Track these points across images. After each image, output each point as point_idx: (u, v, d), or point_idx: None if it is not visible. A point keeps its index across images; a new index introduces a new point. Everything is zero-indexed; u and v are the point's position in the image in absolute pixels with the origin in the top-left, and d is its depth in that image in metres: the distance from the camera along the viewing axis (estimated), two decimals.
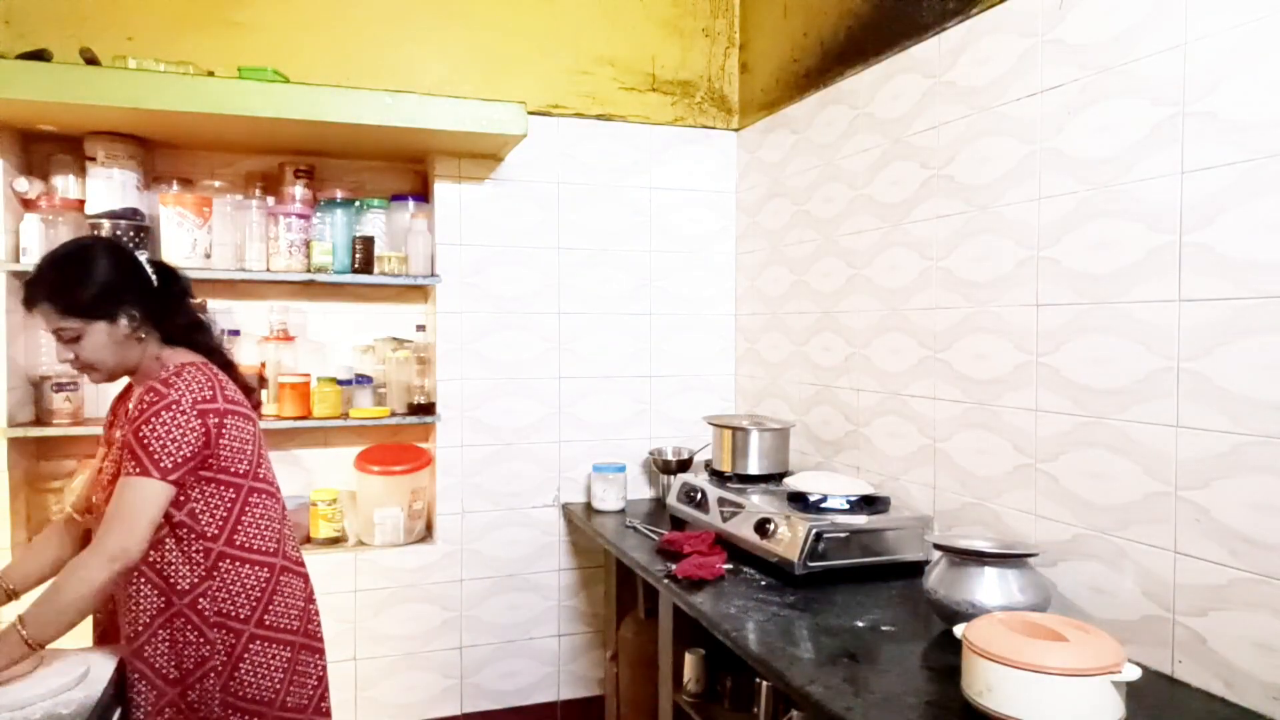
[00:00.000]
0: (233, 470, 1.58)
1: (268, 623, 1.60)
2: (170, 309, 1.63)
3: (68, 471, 2.51)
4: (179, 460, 1.48)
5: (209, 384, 1.56)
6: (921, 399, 2.15)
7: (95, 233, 2.37)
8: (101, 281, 1.53)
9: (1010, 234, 1.86)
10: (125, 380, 1.69)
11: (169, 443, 1.47)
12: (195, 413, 1.51)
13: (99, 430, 2.40)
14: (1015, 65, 1.85)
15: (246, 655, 1.57)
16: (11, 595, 1.64)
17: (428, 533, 2.86)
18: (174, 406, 1.49)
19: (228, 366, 1.69)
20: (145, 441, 1.46)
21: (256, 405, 1.73)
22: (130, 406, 1.60)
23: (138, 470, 1.45)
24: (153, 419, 1.47)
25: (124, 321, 1.55)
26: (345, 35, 2.71)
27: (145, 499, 1.45)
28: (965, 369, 2.00)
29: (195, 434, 1.50)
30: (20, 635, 1.38)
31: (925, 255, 2.13)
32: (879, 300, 2.31)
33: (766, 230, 2.91)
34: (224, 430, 1.55)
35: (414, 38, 2.78)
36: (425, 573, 2.76)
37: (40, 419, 2.44)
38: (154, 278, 1.61)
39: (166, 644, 1.53)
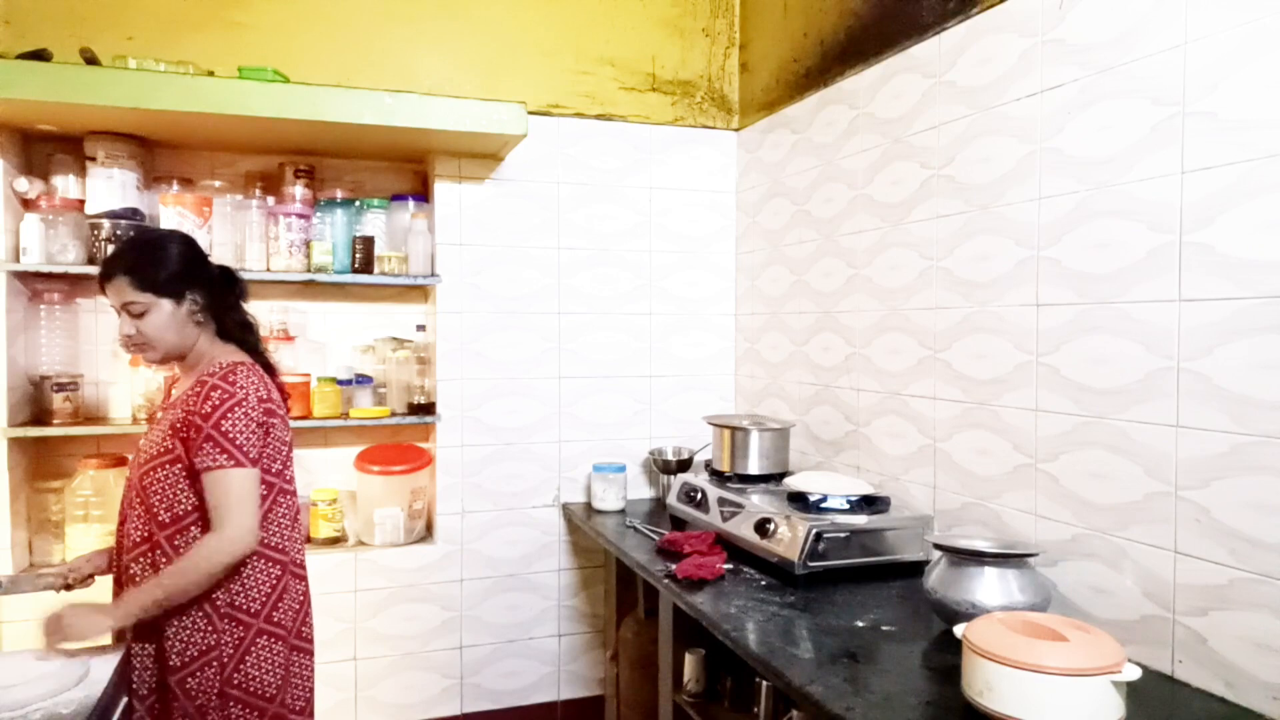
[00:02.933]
0: (269, 469, 1.66)
1: (275, 620, 1.66)
2: (228, 306, 1.75)
3: (68, 471, 2.51)
4: (259, 448, 1.62)
5: (264, 384, 1.67)
6: (921, 399, 2.15)
7: (95, 233, 2.37)
8: (176, 264, 1.65)
9: (1010, 234, 1.86)
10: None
11: (249, 435, 1.60)
12: (260, 410, 1.63)
13: (99, 430, 2.44)
14: (1015, 65, 1.85)
15: (253, 650, 1.62)
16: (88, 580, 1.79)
17: (428, 533, 2.86)
18: (244, 403, 1.60)
19: (269, 369, 1.78)
20: (230, 435, 1.58)
21: (289, 409, 1.83)
22: (176, 392, 1.71)
23: (232, 463, 1.57)
24: (229, 414, 1.58)
25: (188, 304, 1.66)
26: (345, 35, 2.71)
27: (247, 485, 1.59)
28: (965, 369, 2.00)
29: (261, 427, 1.63)
30: (155, 596, 1.52)
31: (925, 255, 2.13)
32: (879, 300, 2.31)
33: (766, 230, 2.91)
34: (272, 429, 1.66)
35: (414, 38, 2.78)
36: (425, 573, 2.76)
37: (40, 419, 2.44)
38: (216, 276, 1.74)
39: (174, 629, 1.58)
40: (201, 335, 1.70)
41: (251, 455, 1.59)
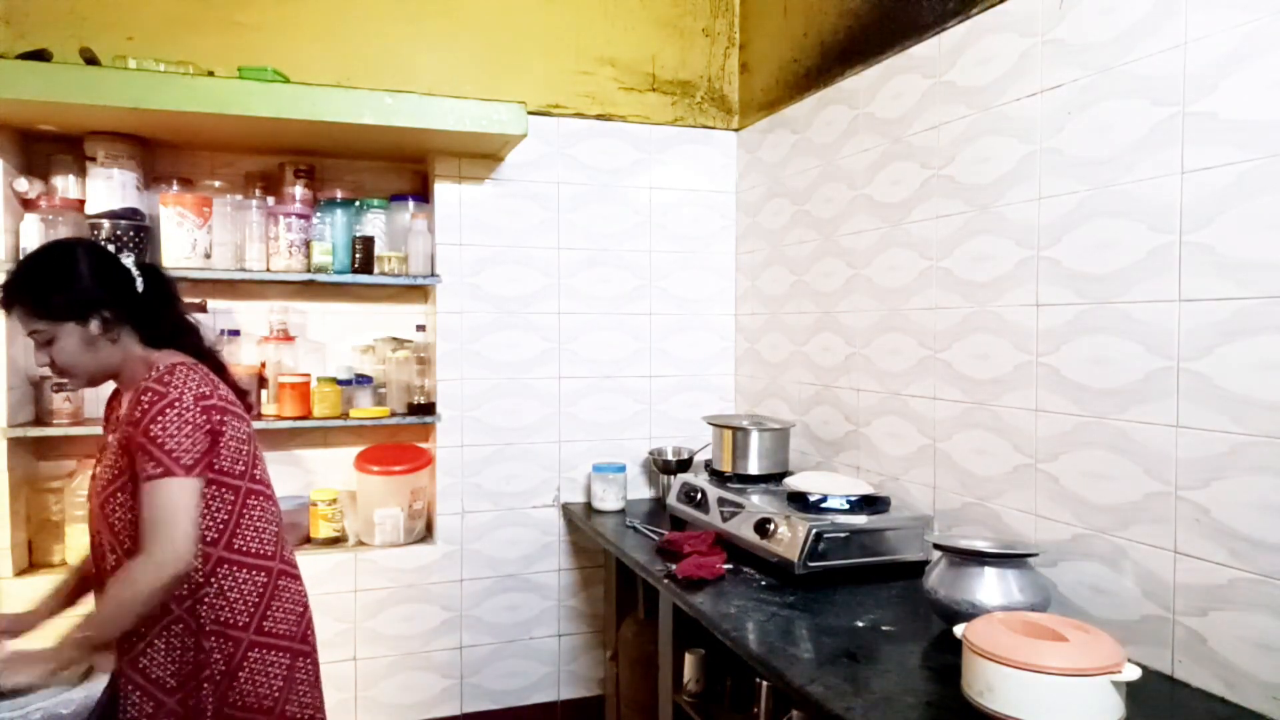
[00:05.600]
0: (232, 471, 1.55)
1: (267, 629, 1.57)
2: (154, 311, 1.60)
3: (68, 472, 2.51)
4: (196, 455, 1.46)
5: (205, 381, 1.53)
6: (921, 399, 2.15)
7: (95, 233, 2.37)
8: (70, 283, 1.50)
9: (1010, 234, 1.86)
10: (113, 385, 1.68)
11: (183, 439, 1.45)
12: (199, 409, 1.48)
13: (99, 430, 2.41)
14: (1015, 65, 1.85)
15: (245, 664, 1.53)
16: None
17: (428, 533, 2.86)
18: (177, 404, 1.46)
19: (220, 369, 1.67)
20: (160, 441, 1.43)
21: (249, 407, 1.68)
22: (123, 411, 1.58)
23: (161, 471, 1.42)
24: (159, 417, 1.44)
25: (94, 323, 1.51)
26: (345, 35, 2.71)
27: (178, 499, 1.43)
28: (965, 369, 2.00)
29: (203, 430, 1.48)
30: (80, 637, 1.41)
31: (925, 255, 2.13)
32: (879, 300, 2.31)
33: (766, 230, 2.91)
34: (225, 429, 1.53)
35: (414, 38, 2.78)
36: (425, 573, 2.76)
37: (40, 419, 2.44)
38: (139, 280, 1.58)
39: (163, 653, 1.50)
40: (125, 350, 1.56)
41: (185, 462, 1.44)
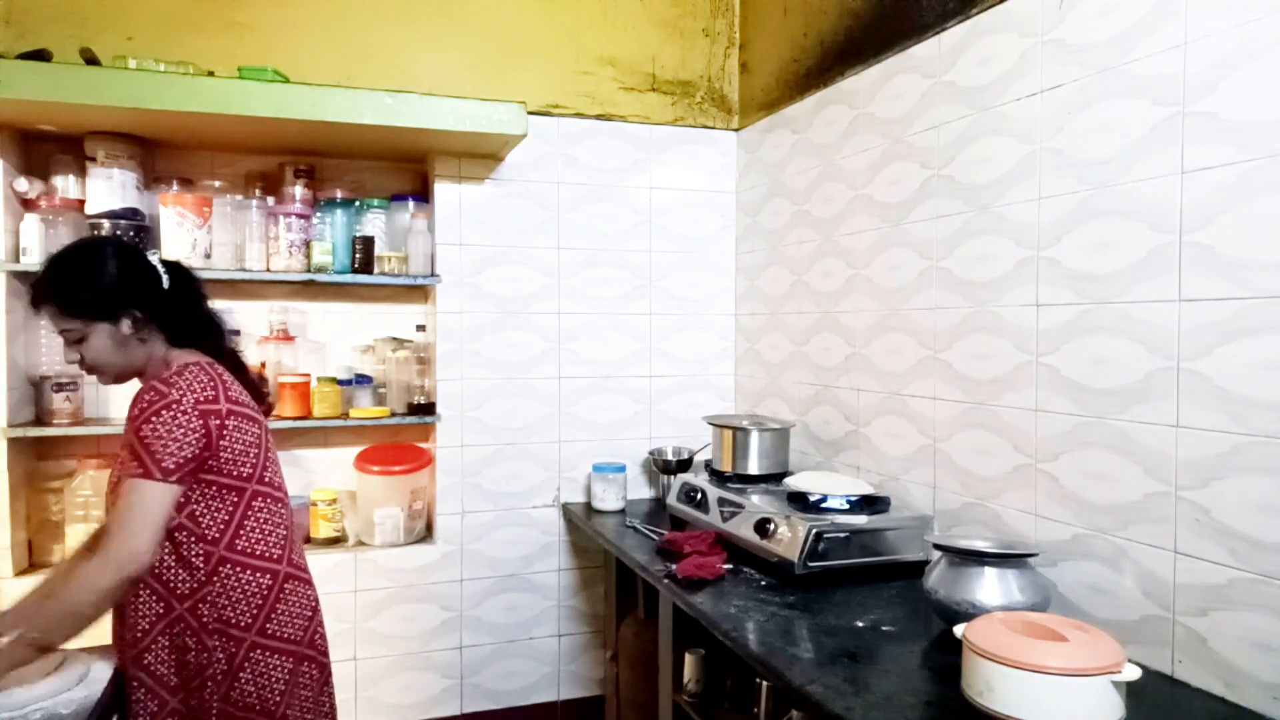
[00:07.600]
0: (235, 473, 1.55)
1: (270, 631, 1.56)
2: (180, 310, 1.61)
3: (68, 472, 2.51)
4: (181, 460, 1.45)
5: (211, 384, 1.53)
6: (921, 399, 2.15)
7: (95, 233, 2.37)
8: (103, 282, 1.52)
9: (1010, 234, 1.86)
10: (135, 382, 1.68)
11: (170, 442, 1.44)
12: (196, 413, 1.48)
13: (99, 430, 2.44)
14: (1015, 65, 1.85)
15: (247, 664, 1.53)
16: None
17: (428, 533, 2.86)
18: (174, 406, 1.46)
19: (240, 368, 1.67)
20: (146, 442, 1.44)
21: (268, 410, 1.67)
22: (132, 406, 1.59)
23: (140, 472, 1.43)
24: (153, 418, 1.45)
25: (126, 322, 1.53)
26: (345, 35, 2.71)
27: (149, 502, 1.42)
28: (965, 369, 2.00)
29: (196, 434, 1.48)
30: (28, 639, 1.37)
31: (925, 255, 2.13)
32: (879, 300, 2.31)
33: (766, 230, 2.91)
34: (225, 432, 1.52)
35: (414, 38, 2.78)
36: (425, 573, 2.76)
37: (40, 419, 2.44)
38: (165, 278, 1.60)
39: (166, 650, 1.50)
40: (152, 348, 1.58)
41: (166, 465, 1.43)
